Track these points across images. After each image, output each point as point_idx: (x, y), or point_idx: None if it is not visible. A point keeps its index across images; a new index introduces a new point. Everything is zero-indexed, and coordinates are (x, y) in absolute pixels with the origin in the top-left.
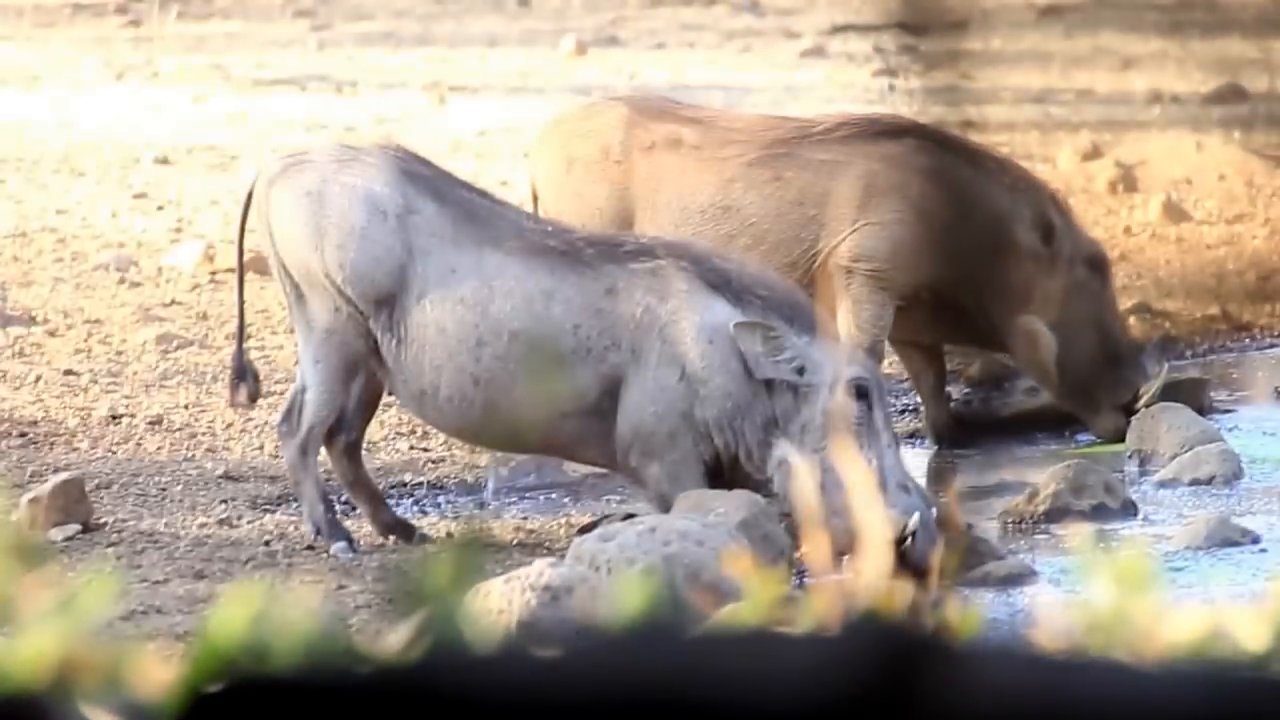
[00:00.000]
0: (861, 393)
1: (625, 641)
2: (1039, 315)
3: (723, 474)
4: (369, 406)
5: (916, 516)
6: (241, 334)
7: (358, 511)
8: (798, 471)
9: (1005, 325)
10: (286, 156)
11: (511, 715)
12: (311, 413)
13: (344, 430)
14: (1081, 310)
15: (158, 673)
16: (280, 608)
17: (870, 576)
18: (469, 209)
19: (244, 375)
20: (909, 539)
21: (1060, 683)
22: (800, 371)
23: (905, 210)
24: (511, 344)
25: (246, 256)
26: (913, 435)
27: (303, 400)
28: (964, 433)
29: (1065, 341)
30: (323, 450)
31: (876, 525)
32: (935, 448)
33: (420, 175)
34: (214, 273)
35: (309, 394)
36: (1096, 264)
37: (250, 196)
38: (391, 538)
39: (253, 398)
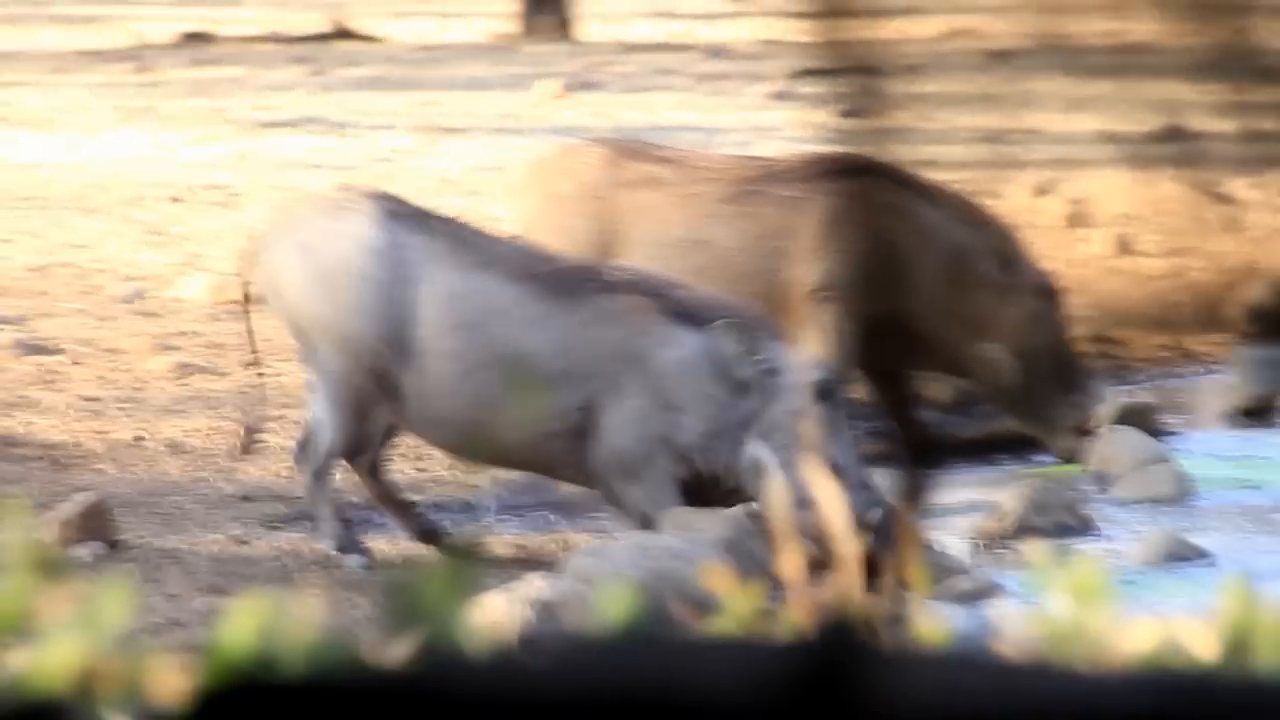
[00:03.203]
0: (825, 393)
1: (593, 648)
2: (997, 343)
3: (702, 490)
4: (389, 429)
5: (879, 512)
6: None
7: (373, 528)
8: (771, 483)
9: (966, 352)
10: (274, 218)
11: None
12: (327, 448)
13: (366, 451)
14: (1036, 338)
15: (174, 681)
16: (289, 619)
17: (838, 573)
18: (458, 236)
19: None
20: (872, 534)
21: (1010, 687)
22: (769, 374)
23: (867, 242)
24: (509, 365)
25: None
26: (883, 457)
27: (318, 433)
28: (936, 454)
29: (1022, 367)
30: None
31: (840, 521)
32: (906, 469)
33: (406, 213)
34: (223, 303)
35: (325, 431)
36: (1048, 293)
37: (251, 258)
38: (426, 545)
39: (246, 450)
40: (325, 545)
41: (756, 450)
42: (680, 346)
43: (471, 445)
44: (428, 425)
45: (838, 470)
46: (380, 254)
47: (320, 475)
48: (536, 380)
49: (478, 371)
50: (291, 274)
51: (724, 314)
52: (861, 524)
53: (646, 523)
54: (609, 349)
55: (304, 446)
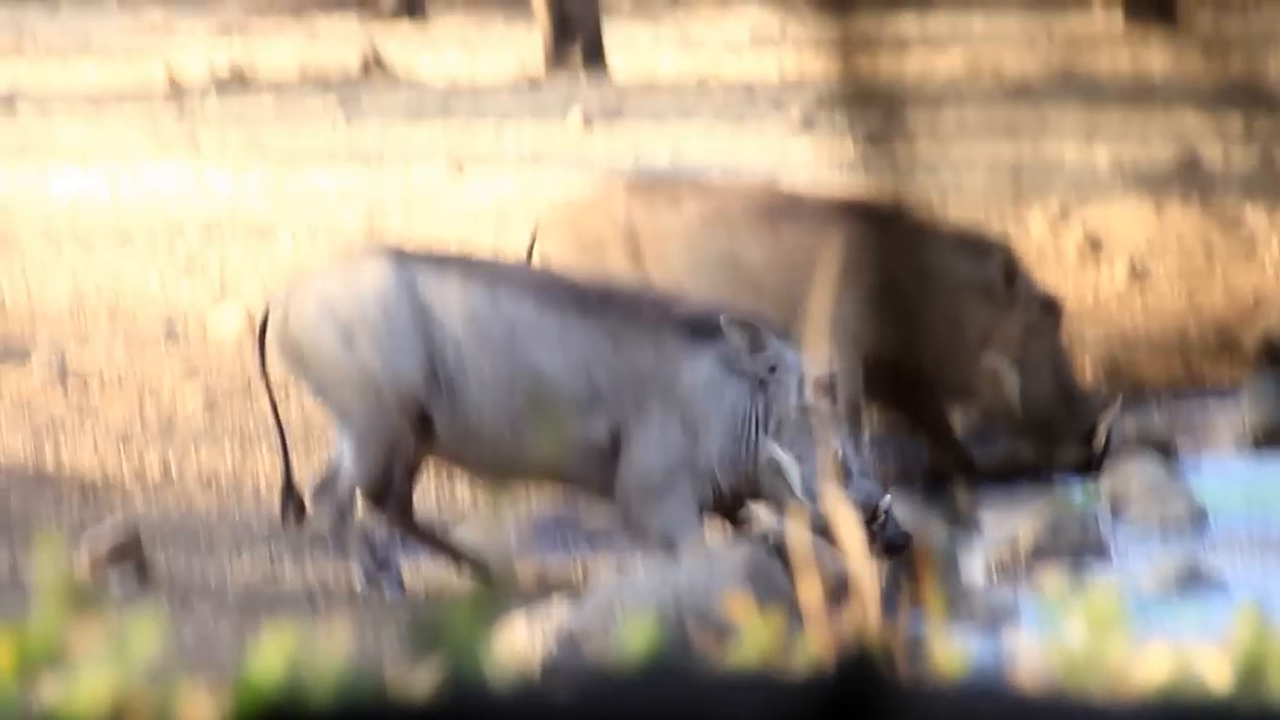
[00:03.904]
0: (826, 387)
1: (615, 678)
2: (1005, 358)
3: (724, 506)
4: (416, 467)
5: (888, 498)
6: (287, 457)
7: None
8: (792, 523)
9: (976, 374)
10: (285, 287)
11: None
12: (352, 485)
13: (394, 488)
14: (1041, 351)
15: (204, 711)
16: (316, 649)
17: (857, 603)
18: (468, 264)
19: (292, 497)
20: (881, 519)
21: (1026, 718)
22: (772, 369)
23: (876, 287)
24: (536, 380)
25: None
26: (903, 480)
27: (342, 474)
28: (979, 472)
29: (1026, 379)
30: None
31: (858, 550)
32: (947, 493)
33: (410, 254)
34: (255, 335)
35: (353, 475)
36: (1050, 307)
37: (264, 330)
38: (461, 573)
39: (299, 518)
40: (357, 574)
41: (771, 450)
42: (698, 367)
43: (513, 462)
44: (470, 452)
45: (840, 462)
46: (398, 298)
47: (345, 512)
48: (562, 400)
49: (507, 389)
50: (319, 335)
51: (728, 317)
52: (873, 510)
53: (669, 546)
54: (630, 371)
55: (325, 486)
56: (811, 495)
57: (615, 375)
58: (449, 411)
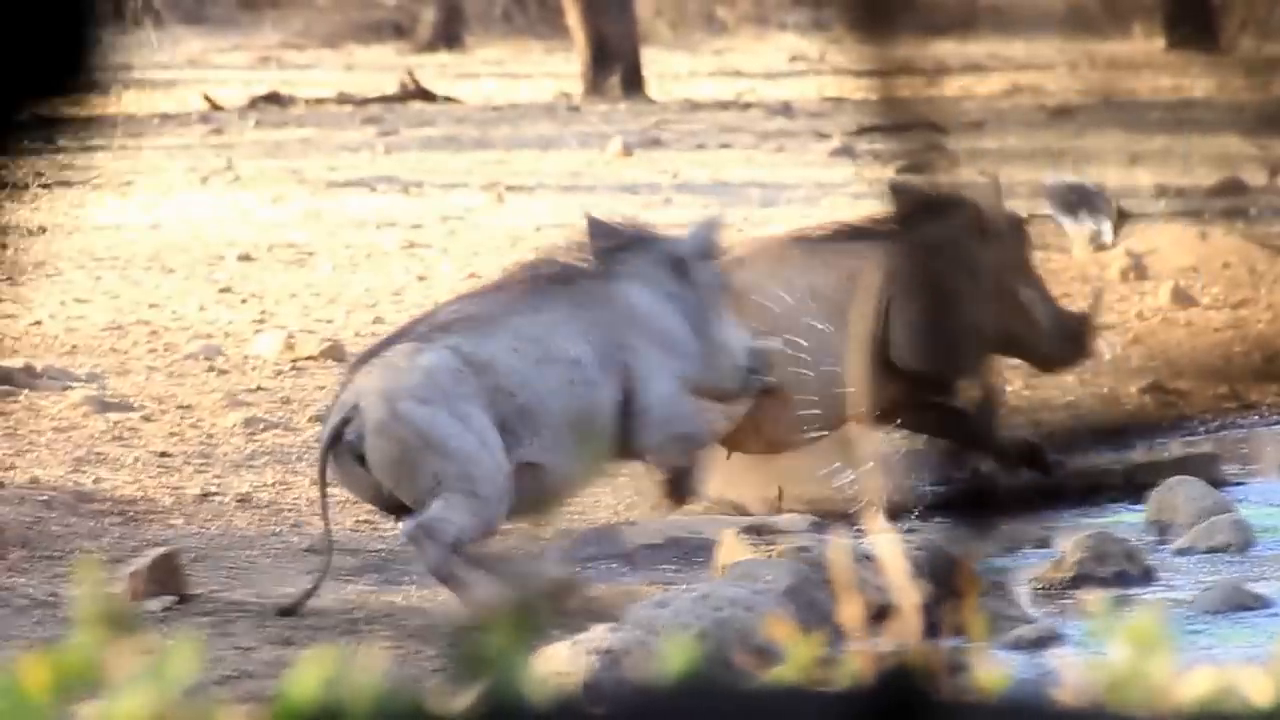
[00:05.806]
0: (707, 253)
1: (656, 696)
2: (1024, 289)
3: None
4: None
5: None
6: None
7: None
8: (834, 544)
9: (1009, 321)
10: (344, 410)
11: None
12: (463, 533)
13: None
14: (1033, 267)
15: None
16: (355, 670)
17: (898, 622)
18: (464, 306)
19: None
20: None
21: None
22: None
23: (911, 297)
24: (580, 367)
25: (324, 345)
26: (932, 509)
27: (443, 526)
28: (997, 502)
29: (1042, 296)
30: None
31: (900, 571)
32: (968, 518)
33: (414, 329)
34: (294, 360)
35: (462, 529)
36: (1018, 225)
37: (332, 442)
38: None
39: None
40: (497, 595)
41: (713, 332)
42: (639, 297)
43: (593, 461)
44: (548, 470)
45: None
46: (455, 366)
47: (449, 555)
48: (596, 378)
49: (568, 391)
50: (427, 423)
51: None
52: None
53: (687, 445)
54: (606, 324)
55: (430, 531)
56: (754, 362)
57: (601, 332)
58: (538, 438)
